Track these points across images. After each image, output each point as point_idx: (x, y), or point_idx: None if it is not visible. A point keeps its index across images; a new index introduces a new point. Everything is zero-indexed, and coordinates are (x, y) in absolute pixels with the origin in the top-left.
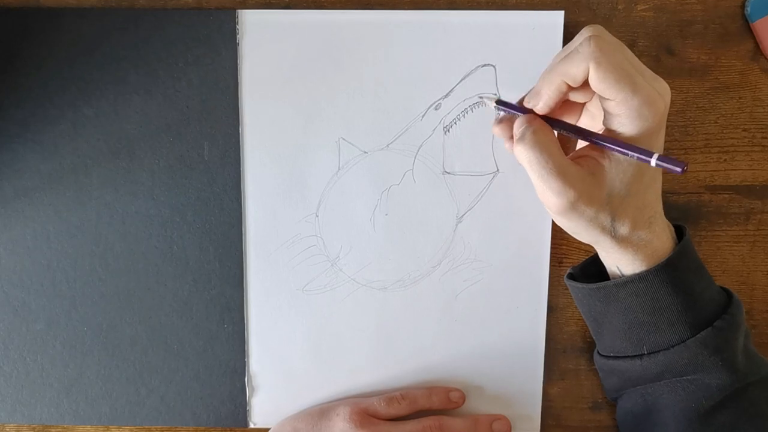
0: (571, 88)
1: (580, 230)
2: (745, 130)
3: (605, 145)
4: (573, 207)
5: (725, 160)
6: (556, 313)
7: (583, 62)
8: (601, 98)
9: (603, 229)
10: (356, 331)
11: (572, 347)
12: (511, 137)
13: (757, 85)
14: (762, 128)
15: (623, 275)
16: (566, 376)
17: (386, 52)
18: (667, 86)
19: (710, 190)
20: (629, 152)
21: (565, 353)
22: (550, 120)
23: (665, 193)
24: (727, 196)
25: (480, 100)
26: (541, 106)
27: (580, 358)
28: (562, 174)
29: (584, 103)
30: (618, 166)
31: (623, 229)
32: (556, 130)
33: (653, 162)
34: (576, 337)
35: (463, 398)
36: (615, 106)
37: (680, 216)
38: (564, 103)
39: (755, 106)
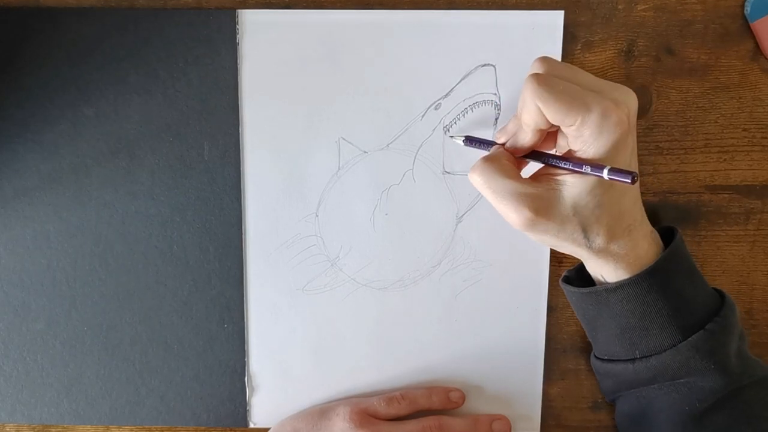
0: (543, 132)
1: (552, 244)
2: (745, 130)
3: (559, 166)
4: (533, 223)
5: (725, 160)
6: (556, 313)
7: (531, 105)
8: (563, 127)
9: (574, 241)
10: (356, 331)
11: (572, 347)
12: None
13: (757, 85)
14: (762, 128)
15: (609, 283)
16: (566, 376)
17: (386, 52)
18: (629, 92)
19: (710, 190)
20: (581, 170)
21: (565, 353)
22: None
23: (665, 193)
24: (727, 196)
25: (450, 137)
26: (521, 151)
27: (580, 358)
28: (514, 195)
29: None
30: (576, 179)
31: (599, 240)
32: (524, 158)
33: (605, 175)
34: (576, 337)
35: (463, 398)
36: (576, 130)
37: (680, 216)
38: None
39: (755, 106)
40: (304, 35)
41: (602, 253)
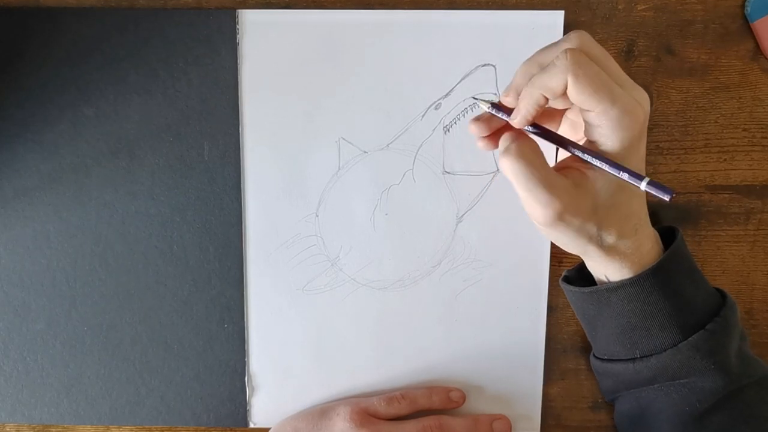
0: (546, 101)
1: (567, 241)
2: (745, 130)
3: (596, 163)
4: (560, 218)
5: (725, 160)
6: (556, 313)
7: (560, 75)
8: (581, 109)
9: (590, 239)
10: (356, 331)
11: (572, 347)
12: (485, 136)
13: (757, 85)
14: (762, 128)
15: (610, 283)
16: (566, 376)
17: (386, 52)
18: (646, 95)
19: (710, 190)
20: (620, 173)
21: (565, 353)
22: (542, 131)
23: None
24: (727, 196)
25: (474, 101)
26: (519, 119)
27: (580, 358)
28: (548, 185)
29: (564, 111)
30: (603, 177)
31: (609, 239)
32: (549, 142)
33: (643, 186)
34: (576, 337)
35: (463, 398)
36: (595, 117)
37: (680, 216)
38: (544, 111)
39: (755, 106)
40: (304, 35)
41: (611, 251)
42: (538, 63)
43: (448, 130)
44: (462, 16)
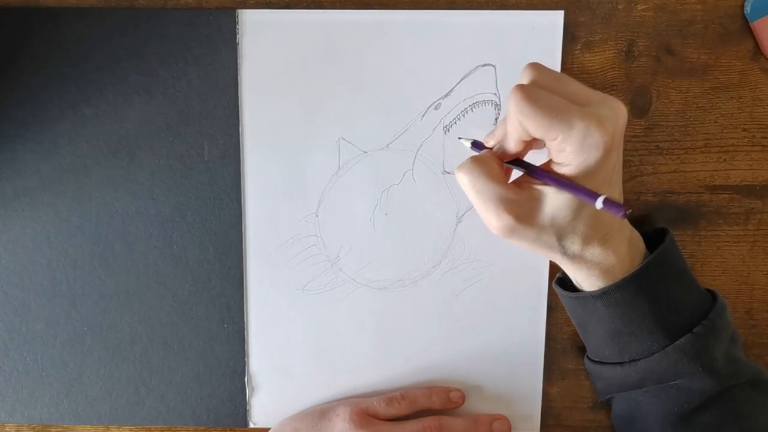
0: (527, 143)
1: (527, 248)
2: (745, 130)
3: (553, 184)
4: (512, 229)
5: (725, 160)
6: (556, 313)
7: (514, 120)
8: (546, 140)
9: (550, 248)
10: (356, 331)
11: (572, 347)
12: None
13: (757, 85)
14: (762, 128)
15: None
16: (566, 376)
17: (386, 52)
18: (618, 106)
19: (710, 190)
20: (571, 191)
21: (565, 353)
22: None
23: (665, 193)
24: (727, 196)
25: (458, 139)
26: (506, 157)
27: (580, 358)
28: (498, 200)
29: None
30: (562, 193)
31: (574, 247)
32: (513, 167)
33: (598, 206)
34: (576, 337)
35: (463, 398)
36: (558, 145)
37: (680, 216)
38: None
39: (755, 106)
40: (304, 35)
41: (576, 259)
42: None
43: (448, 130)
44: (462, 16)
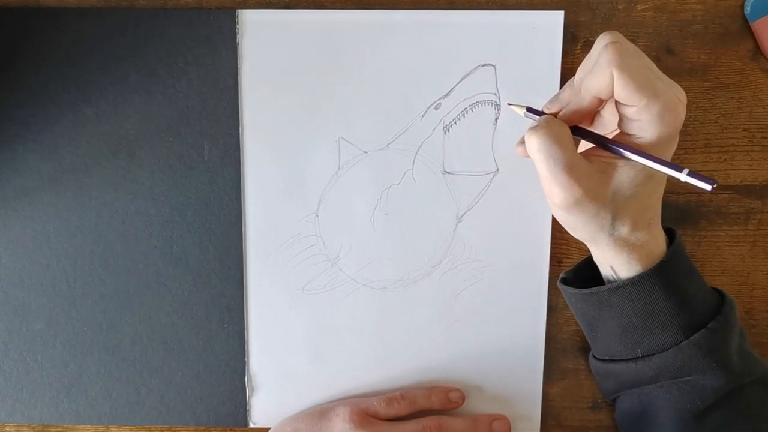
0: (601, 102)
1: (578, 226)
2: (745, 130)
3: (635, 158)
4: (577, 203)
5: (725, 160)
6: (556, 313)
7: (605, 71)
8: (622, 105)
9: (601, 227)
10: (356, 331)
11: (572, 347)
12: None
13: (757, 85)
14: (762, 128)
15: (617, 276)
16: (566, 376)
17: (386, 52)
18: (683, 92)
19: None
20: (659, 166)
21: (565, 353)
22: (579, 130)
23: (665, 193)
24: (727, 196)
25: (508, 105)
26: (573, 120)
27: (580, 358)
28: (571, 168)
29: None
30: (630, 167)
31: (623, 229)
32: (583, 139)
33: (683, 177)
34: (576, 337)
35: (463, 398)
36: (636, 112)
37: (680, 216)
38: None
39: (755, 106)
40: (304, 35)
41: (621, 242)
42: (582, 71)
43: (448, 130)
44: (462, 16)
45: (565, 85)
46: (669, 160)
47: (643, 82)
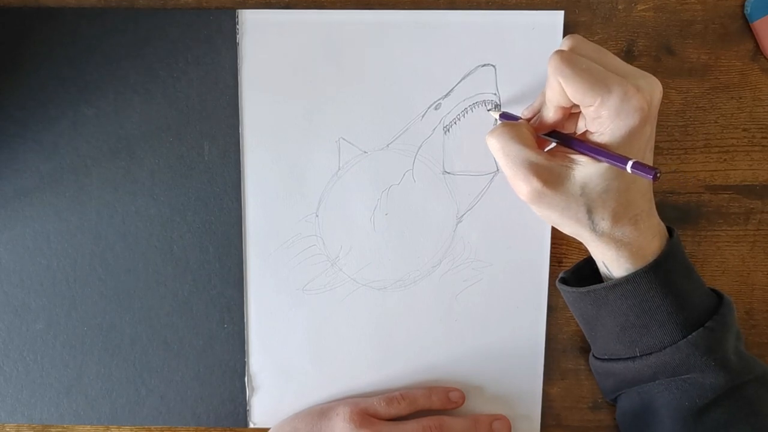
0: (565, 110)
1: (555, 220)
2: (745, 130)
3: (580, 150)
4: (540, 194)
5: (725, 160)
6: (556, 313)
7: (554, 81)
8: (582, 106)
9: (578, 221)
10: (356, 331)
11: (572, 347)
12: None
13: (757, 85)
14: (762, 128)
15: (610, 273)
16: (566, 376)
17: (386, 52)
18: (654, 81)
19: (710, 190)
20: (604, 159)
21: (565, 353)
22: (550, 133)
23: (665, 193)
24: (727, 196)
25: (487, 111)
26: (543, 128)
27: (580, 358)
28: (528, 163)
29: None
30: (592, 162)
31: (603, 224)
32: (552, 140)
33: (628, 168)
34: (576, 337)
35: (463, 398)
36: (594, 111)
37: (680, 216)
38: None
39: (755, 106)
40: (304, 35)
41: (605, 238)
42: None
43: (448, 130)
44: (462, 16)
45: (539, 93)
46: (646, 152)
47: (592, 82)
